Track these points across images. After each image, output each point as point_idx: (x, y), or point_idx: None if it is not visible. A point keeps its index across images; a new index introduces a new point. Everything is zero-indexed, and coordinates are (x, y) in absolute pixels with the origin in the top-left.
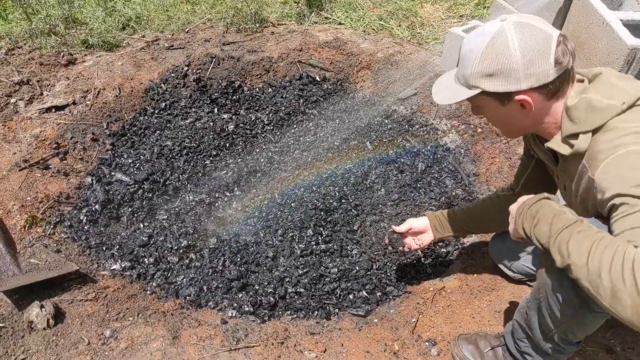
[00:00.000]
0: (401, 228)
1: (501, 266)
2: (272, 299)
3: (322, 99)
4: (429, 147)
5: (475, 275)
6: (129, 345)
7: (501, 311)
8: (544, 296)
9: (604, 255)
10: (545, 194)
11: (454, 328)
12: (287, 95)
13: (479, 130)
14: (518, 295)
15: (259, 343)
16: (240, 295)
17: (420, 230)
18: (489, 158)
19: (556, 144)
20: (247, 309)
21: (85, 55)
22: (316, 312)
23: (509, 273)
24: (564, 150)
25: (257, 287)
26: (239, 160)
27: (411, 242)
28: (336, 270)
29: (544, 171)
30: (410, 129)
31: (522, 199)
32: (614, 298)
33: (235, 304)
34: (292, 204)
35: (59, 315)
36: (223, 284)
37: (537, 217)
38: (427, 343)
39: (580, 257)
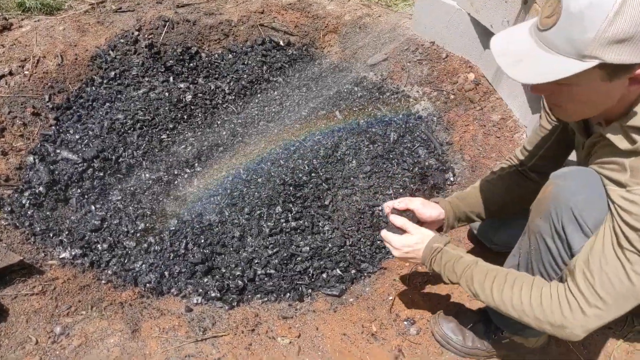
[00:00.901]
0: (400, 205)
1: (480, 237)
2: (240, 282)
3: (287, 66)
4: (400, 116)
5: None
6: (83, 342)
7: None
8: (535, 247)
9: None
10: (443, 241)
11: (433, 305)
12: (249, 62)
13: (452, 97)
14: None
15: (227, 332)
16: (205, 280)
17: (425, 220)
18: (462, 126)
19: (615, 135)
20: (213, 294)
21: (22, 19)
22: (288, 294)
23: (489, 245)
24: (622, 144)
25: (224, 270)
26: (199, 133)
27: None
28: (308, 248)
29: (563, 143)
30: (381, 96)
31: (422, 246)
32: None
33: (201, 290)
34: (259, 180)
35: (1, 313)
36: (186, 269)
37: (445, 264)
38: (405, 322)
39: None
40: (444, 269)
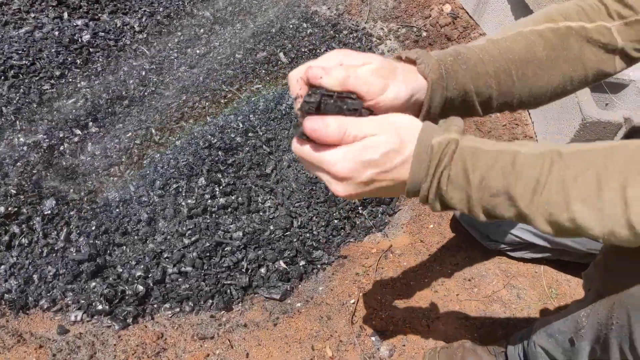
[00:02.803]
0: (331, 81)
1: (471, 230)
2: (140, 287)
3: None
4: None
5: (431, 227)
6: None
7: (474, 279)
8: (622, 324)
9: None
10: (451, 129)
11: (410, 310)
12: None
13: (424, 34)
14: (493, 255)
15: None
16: (92, 285)
17: (384, 105)
18: None
19: None
20: (100, 307)
21: None
22: (210, 300)
23: (482, 240)
24: None
25: (120, 270)
26: (97, 82)
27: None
28: (241, 234)
29: None
30: (337, 35)
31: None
32: None
33: (83, 300)
34: (177, 142)
35: None
36: (66, 269)
37: (479, 176)
38: (373, 338)
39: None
40: (482, 186)
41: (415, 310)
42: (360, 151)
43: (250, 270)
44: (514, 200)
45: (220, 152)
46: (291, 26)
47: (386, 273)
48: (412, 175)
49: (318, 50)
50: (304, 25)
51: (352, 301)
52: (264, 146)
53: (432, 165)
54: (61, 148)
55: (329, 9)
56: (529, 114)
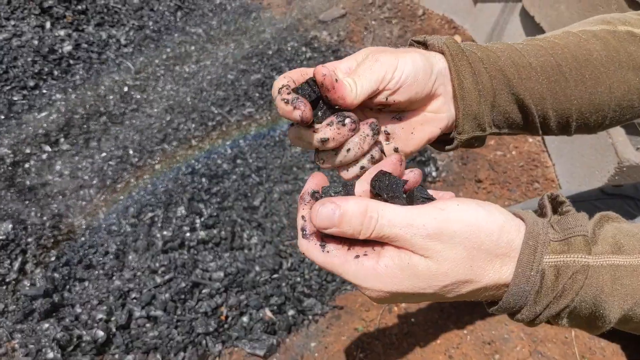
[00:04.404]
0: (364, 87)
1: None
2: (100, 332)
3: (211, 14)
4: None
5: None
6: None
7: (494, 343)
8: None
9: None
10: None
11: None
12: (160, 8)
13: None
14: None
15: None
16: (45, 327)
17: (409, 97)
18: None
19: None
20: (51, 354)
21: None
22: (182, 353)
23: None
24: None
25: (79, 310)
26: (73, 96)
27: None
28: (222, 274)
29: None
30: None
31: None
32: None
33: (33, 345)
34: (156, 166)
35: None
36: (17, 305)
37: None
38: None
39: None
40: (621, 319)
41: None
42: (402, 281)
43: (230, 319)
44: None
45: (204, 180)
46: (289, 49)
47: (391, 330)
48: (505, 303)
49: None
50: (303, 49)
51: None
52: (253, 175)
53: (542, 301)
54: (26, 165)
55: (329, 34)
56: (549, 155)
